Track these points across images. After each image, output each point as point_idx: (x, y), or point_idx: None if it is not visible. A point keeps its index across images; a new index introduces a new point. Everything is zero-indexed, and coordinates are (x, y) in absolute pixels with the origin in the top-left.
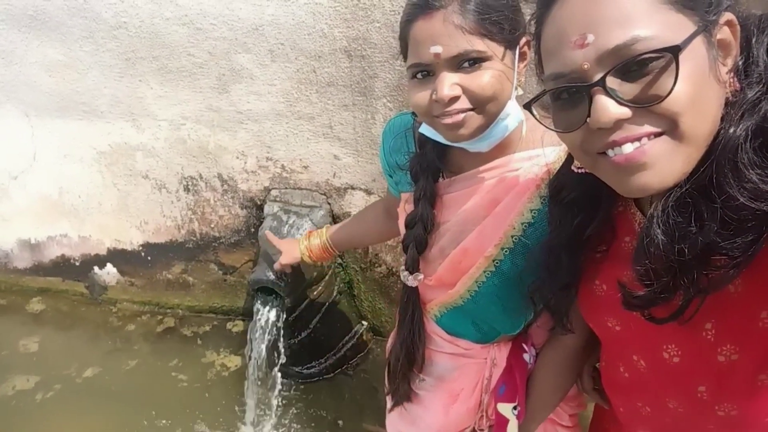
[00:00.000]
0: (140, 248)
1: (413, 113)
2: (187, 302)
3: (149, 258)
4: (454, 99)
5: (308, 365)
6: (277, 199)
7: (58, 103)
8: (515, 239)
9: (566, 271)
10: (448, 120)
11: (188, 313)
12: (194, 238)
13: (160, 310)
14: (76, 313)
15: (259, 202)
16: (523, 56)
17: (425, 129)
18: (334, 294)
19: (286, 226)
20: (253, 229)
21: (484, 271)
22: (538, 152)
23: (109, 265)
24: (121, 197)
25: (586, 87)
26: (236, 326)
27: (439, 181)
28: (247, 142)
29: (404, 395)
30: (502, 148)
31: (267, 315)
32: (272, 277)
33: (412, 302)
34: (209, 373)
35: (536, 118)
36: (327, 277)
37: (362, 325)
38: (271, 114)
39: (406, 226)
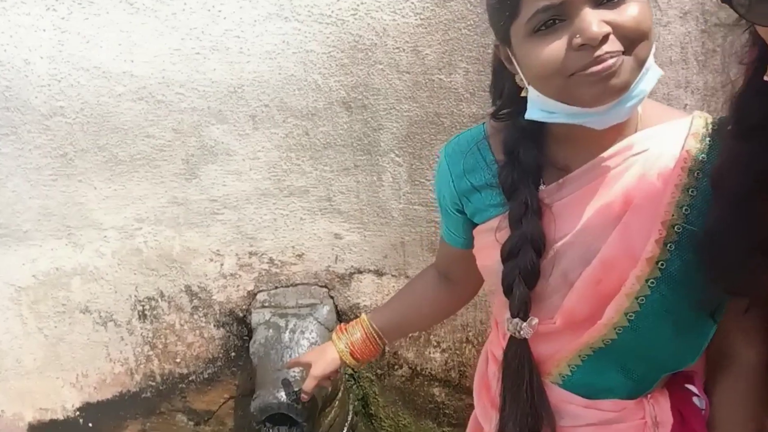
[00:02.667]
0: (77, 413)
1: (491, 117)
2: None
3: (90, 424)
4: (605, 39)
5: None
6: (266, 303)
7: None
8: (679, 229)
9: (761, 223)
10: (597, 67)
11: None
12: (153, 383)
13: None
14: None
15: (241, 314)
16: None
17: (535, 111)
18: (350, 416)
19: (287, 332)
20: (233, 354)
21: (647, 280)
22: (662, 128)
23: None
24: (50, 346)
25: None
26: None
27: (540, 190)
28: (223, 238)
29: None
30: (619, 130)
31: None
32: (284, 399)
33: (526, 364)
34: None
35: (738, 12)
36: (340, 394)
37: None
38: (254, 195)
39: (506, 257)
